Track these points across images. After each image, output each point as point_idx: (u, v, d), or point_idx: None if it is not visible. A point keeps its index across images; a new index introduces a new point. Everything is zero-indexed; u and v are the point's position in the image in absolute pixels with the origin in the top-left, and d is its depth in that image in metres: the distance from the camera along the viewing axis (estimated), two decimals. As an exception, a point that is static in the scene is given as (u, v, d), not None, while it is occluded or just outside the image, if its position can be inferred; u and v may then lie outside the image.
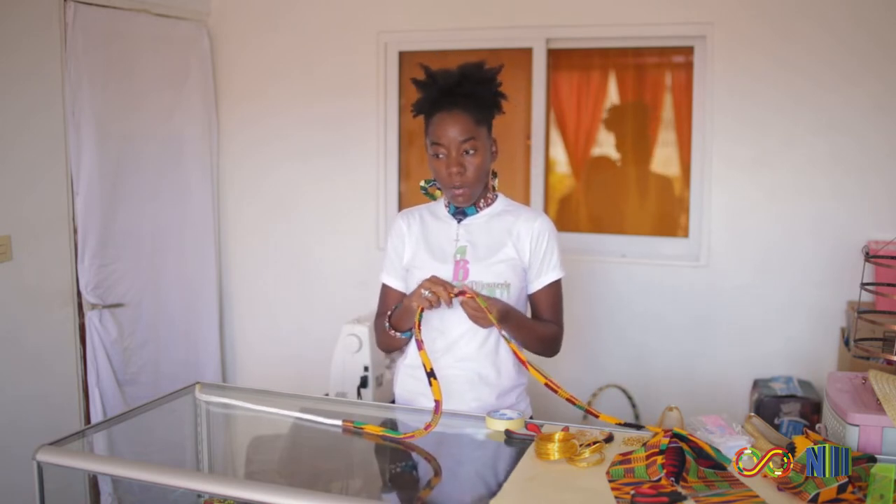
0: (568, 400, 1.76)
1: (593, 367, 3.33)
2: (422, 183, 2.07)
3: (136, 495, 2.29)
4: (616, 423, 1.75)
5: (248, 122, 3.69)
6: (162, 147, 3.38)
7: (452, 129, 1.85)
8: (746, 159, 3.10)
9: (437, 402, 1.69)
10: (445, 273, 1.91)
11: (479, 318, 1.79)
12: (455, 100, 1.86)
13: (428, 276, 1.89)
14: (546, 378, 1.76)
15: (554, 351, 1.99)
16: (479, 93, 1.88)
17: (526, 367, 1.79)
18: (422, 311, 1.81)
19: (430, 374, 1.73)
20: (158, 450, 1.89)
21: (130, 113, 3.20)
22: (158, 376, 3.33)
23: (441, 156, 1.87)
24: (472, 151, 1.86)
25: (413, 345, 1.99)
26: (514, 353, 1.82)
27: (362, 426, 1.78)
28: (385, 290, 2.04)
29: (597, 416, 1.78)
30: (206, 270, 3.65)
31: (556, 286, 1.97)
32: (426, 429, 1.68)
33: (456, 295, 1.80)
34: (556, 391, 1.76)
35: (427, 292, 1.78)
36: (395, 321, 1.94)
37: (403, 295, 2.01)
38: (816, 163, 3.02)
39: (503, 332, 1.86)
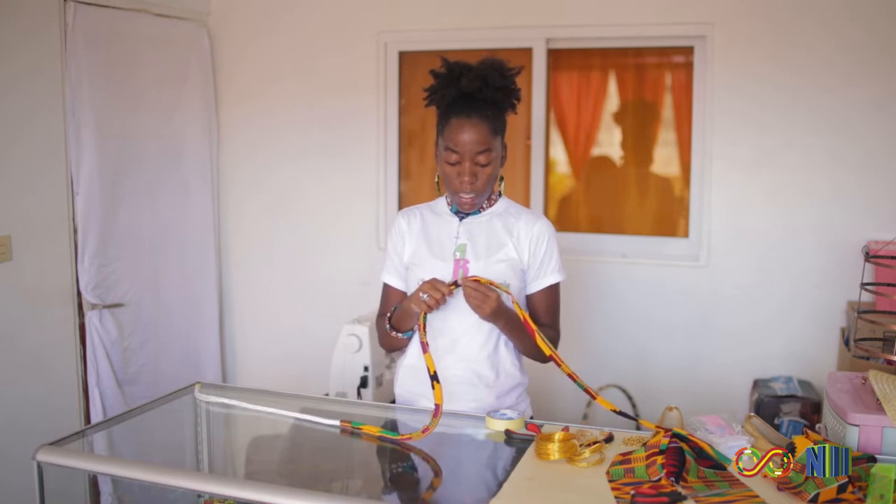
0: (569, 375, 1.76)
1: (593, 366, 3.33)
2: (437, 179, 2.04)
3: (136, 495, 2.28)
4: (612, 410, 1.76)
5: (248, 122, 3.69)
6: (162, 147, 3.38)
7: (469, 138, 1.82)
8: (746, 159, 3.10)
9: (437, 406, 1.70)
10: (445, 271, 1.91)
11: (480, 301, 1.77)
12: (474, 105, 1.84)
13: (427, 274, 1.90)
14: (552, 351, 1.77)
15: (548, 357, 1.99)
16: (499, 100, 1.87)
17: (534, 337, 1.78)
18: (425, 314, 1.81)
19: (434, 378, 1.73)
20: (158, 450, 1.89)
21: (130, 113, 3.20)
22: (158, 376, 3.33)
23: (454, 162, 1.86)
24: (485, 163, 1.85)
25: (414, 344, 1.99)
26: (524, 320, 1.79)
27: (360, 426, 1.78)
28: (386, 289, 2.05)
29: (594, 398, 1.77)
30: (206, 270, 3.65)
31: (554, 290, 1.97)
32: (424, 432, 1.68)
33: (456, 285, 1.80)
34: (559, 364, 1.76)
35: (425, 296, 1.78)
36: (396, 322, 1.95)
37: (404, 294, 2.01)
38: (816, 163, 3.02)
39: (514, 298, 1.84)
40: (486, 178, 1.87)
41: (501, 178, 1.99)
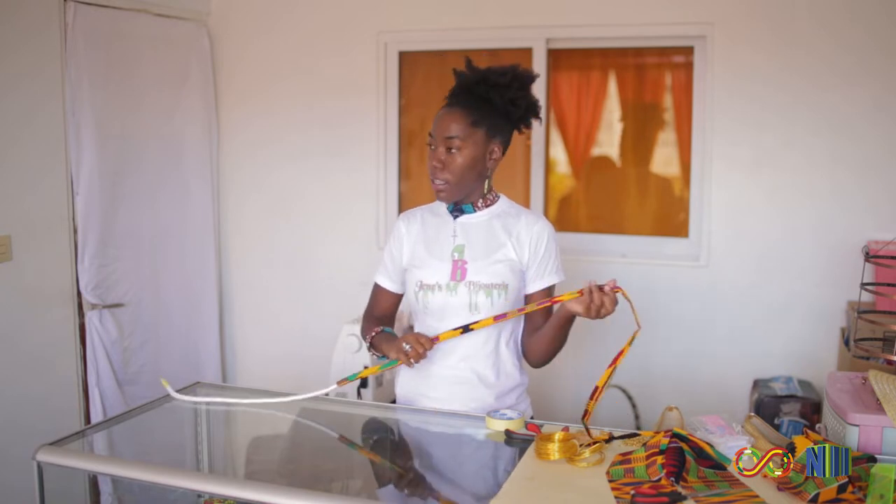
0: (585, 419, 1.70)
1: (593, 366, 3.31)
2: None
3: (136, 495, 2.28)
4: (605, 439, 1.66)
5: (248, 122, 3.69)
6: (162, 147, 3.38)
7: (443, 124, 1.87)
8: (746, 159, 3.10)
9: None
10: (443, 271, 1.91)
11: (602, 314, 1.70)
12: (462, 98, 1.88)
13: (427, 275, 1.90)
14: (603, 386, 1.69)
15: (542, 362, 1.98)
16: (493, 98, 1.87)
17: (615, 363, 1.72)
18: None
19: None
20: (158, 450, 1.89)
21: (130, 113, 3.20)
22: (158, 376, 3.32)
23: (431, 146, 1.91)
24: (454, 150, 1.86)
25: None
26: (619, 356, 1.72)
27: (357, 376, 1.87)
28: (376, 288, 2.08)
29: (593, 442, 1.63)
30: (206, 270, 3.65)
31: (552, 291, 1.97)
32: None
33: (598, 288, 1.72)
34: (589, 409, 1.70)
35: (408, 346, 1.81)
36: (376, 343, 1.97)
37: (392, 295, 2.05)
38: (816, 163, 3.02)
39: (638, 331, 1.76)
40: (456, 167, 1.86)
41: (487, 178, 1.94)
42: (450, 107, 1.89)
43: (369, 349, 2.00)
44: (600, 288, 1.71)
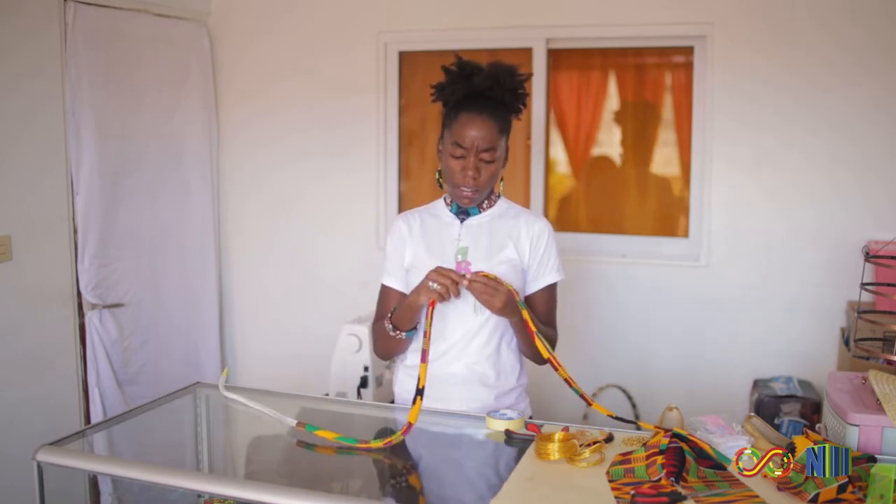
0: (566, 380, 1.76)
1: (593, 367, 3.33)
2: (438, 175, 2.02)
3: (136, 495, 2.28)
4: (608, 415, 1.76)
5: (248, 122, 3.69)
6: (162, 147, 3.38)
7: (477, 134, 1.83)
8: (746, 159, 3.10)
9: (410, 424, 1.67)
10: (446, 273, 1.90)
11: (490, 294, 1.74)
12: (484, 103, 1.85)
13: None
14: (550, 354, 1.77)
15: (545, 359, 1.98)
16: (507, 101, 1.88)
17: (533, 338, 1.78)
18: (433, 307, 1.77)
19: (419, 393, 1.70)
20: (158, 450, 1.89)
21: (130, 113, 3.20)
22: (158, 376, 3.33)
23: (459, 156, 1.86)
24: (489, 161, 1.86)
25: (414, 345, 1.99)
26: (525, 320, 1.78)
27: (315, 430, 1.73)
28: (385, 291, 2.01)
29: (590, 404, 1.78)
30: (206, 270, 3.65)
31: (553, 289, 1.97)
32: (385, 442, 1.66)
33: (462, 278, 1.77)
34: (556, 368, 1.76)
35: (435, 284, 1.75)
36: (397, 321, 1.89)
37: (405, 296, 2.00)
38: (816, 163, 3.02)
39: (518, 296, 1.80)
40: (488, 175, 1.88)
41: (501, 179, 2.00)
42: (477, 114, 1.84)
43: (392, 331, 1.89)
44: (462, 280, 1.76)
